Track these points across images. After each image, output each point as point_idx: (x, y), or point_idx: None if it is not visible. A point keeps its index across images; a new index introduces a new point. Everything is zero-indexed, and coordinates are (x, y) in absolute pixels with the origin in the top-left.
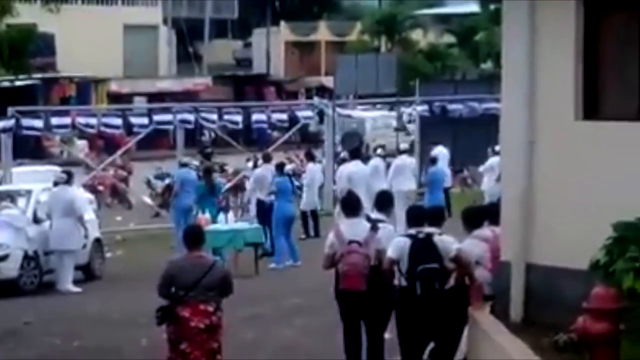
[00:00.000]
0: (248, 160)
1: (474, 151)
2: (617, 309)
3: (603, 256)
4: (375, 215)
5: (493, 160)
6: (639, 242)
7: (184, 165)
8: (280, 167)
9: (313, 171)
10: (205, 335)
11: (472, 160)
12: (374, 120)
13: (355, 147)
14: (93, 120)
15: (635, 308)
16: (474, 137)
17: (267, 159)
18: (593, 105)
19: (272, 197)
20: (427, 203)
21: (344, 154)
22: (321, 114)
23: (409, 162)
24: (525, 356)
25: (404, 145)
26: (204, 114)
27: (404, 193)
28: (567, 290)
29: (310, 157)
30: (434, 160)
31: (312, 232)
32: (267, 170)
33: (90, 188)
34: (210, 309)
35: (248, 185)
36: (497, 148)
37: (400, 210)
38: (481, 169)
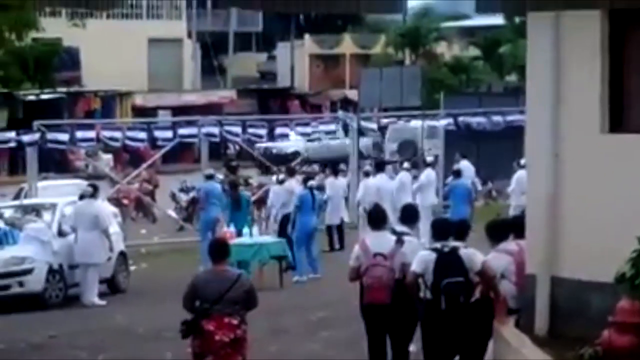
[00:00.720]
0: (272, 174)
1: (499, 164)
2: None
3: (629, 269)
4: (400, 228)
5: (520, 174)
6: None
7: (209, 177)
8: (305, 181)
9: (336, 184)
10: (229, 349)
11: (496, 174)
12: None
13: (381, 160)
14: (118, 134)
15: None
16: (498, 150)
17: (291, 172)
18: (618, 117)
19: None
20: (451, 216)
21: (367, 167)
22: (346, 127)
23: (433, 175)
24: None
25: (429, 159)
26: (228, 127)
27: (429, 207)
28: (592, 303)
29: (335, 171)
30: (458, 173)
31: (337, 245)
32: (291, 185)
33: (115, 201)
34: (235, 322)
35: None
36: (522, 161)
37: (424, 224)
38: (510, 189)
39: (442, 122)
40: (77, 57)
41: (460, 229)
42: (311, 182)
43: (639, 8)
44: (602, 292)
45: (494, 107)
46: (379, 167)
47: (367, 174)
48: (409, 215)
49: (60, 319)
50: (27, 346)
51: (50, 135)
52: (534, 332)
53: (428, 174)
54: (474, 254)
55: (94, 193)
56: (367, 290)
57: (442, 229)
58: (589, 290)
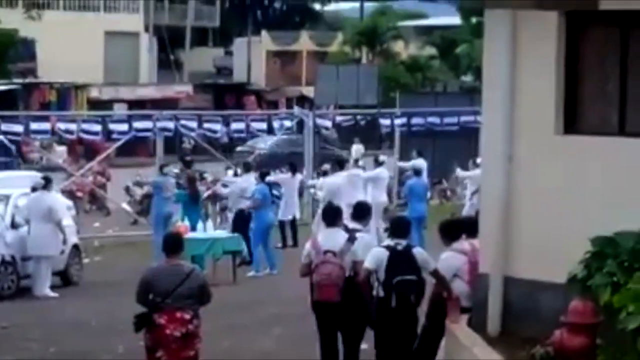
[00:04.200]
0: (228, 168)
1: (454, 163)
2: (594, 323)
3: (581, 270)
4: (352, 225)
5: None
6: (617, 257)
7: (163, 172)
8: (262, 176)
9: (291, 181)
10: (181, 343)
11: (451, 173)
12: None
13: (339, 159)
14: (73, 126)
15: (611, 323)
16: (453, 150)
17: (247, 168)
18: (573, 119)
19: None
20: (409, 214)
21: (326, 166)
22: (300, 124)
23: (386, 174)
24: None
25: (382, 158)
26: (183, 122)
27: (380, 204)
28: (544, 303)
29: (293, 168)
30: (417, 172)
31: (290, 242)
32: (247, 180)
33: (69, 194)
34: (187, 316)
35: (223, 191)
36: (478, 160)
37: (374, 222)
38: (460, 174)
39: (398, 121)
40: (33, 48)
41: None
42: (268, 178)
43: (595, 10)
44: (555, 292)
45: (450, 106)
46: (339, 164)
47: (325, 173)
48: (362, 212)
49: (11, 310)
50: None
51: (5, 126)
52: (486, 331)
53: (379, 172)
54: (426, 253)
55: (46, 185)
56: (317, 287)
57: (399, 226)
58: (541, 291)
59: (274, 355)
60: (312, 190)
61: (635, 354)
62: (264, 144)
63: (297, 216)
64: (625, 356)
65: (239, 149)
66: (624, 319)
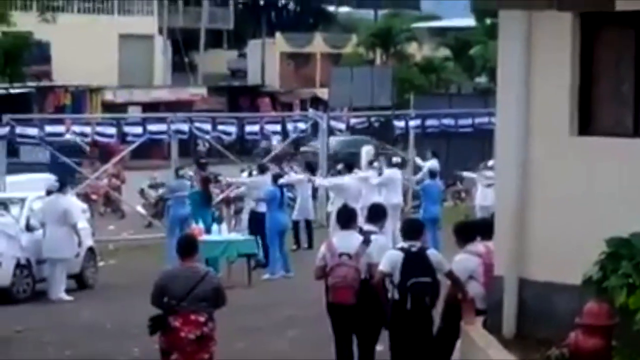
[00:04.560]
0: (242, 171)
1: (469, 165)
2: (609, 325)
3: (596, 272)
4: (367, 227)
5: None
6: (632, 258)
7: (179, 175)
8: (275, 178)
9: (305, 182)
10: (196, 346)
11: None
12: None
13: (349, 162)
14: (87, 129)
15: (627, 324)
16: (468, 151)
17: (262, 169)
18: (588, 120)
19: (263, 205)
20: (422, 216)
21: (340, 167)
22: (315, 126)
23: (399, 175)
24: None
25: (396, 159)
26: (198, 124)
27: (393, 206)
28: (560, 305)
29: (310, 168)
30: (432, 174)
31: (305, 244)
32: (263, 181)
33: (84, 197)
34: (202, 319)
35: (239, 187)
36: (490, 163)
37: (390, 224)
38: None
39: (412, 123)
40: (47, 51)
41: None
42: (281, 180)
43: (610, 11)
44: (570, 294)
45: (464, 108)
46: (349, 167)
47: (339, 173)
48: (376, 214)
49: (27, 314)
50: None
51: (20, 130)
52: (502, 333)
53: (392, 173)
54: (441, 255)
55: (61, 188)
56: (332, 290)
57: (411, 228)
58: (556, 292)
59: (288, 358)
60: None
61: None
62: (333, 144)
63: (312, 217)
64: None
65: (303, 149)
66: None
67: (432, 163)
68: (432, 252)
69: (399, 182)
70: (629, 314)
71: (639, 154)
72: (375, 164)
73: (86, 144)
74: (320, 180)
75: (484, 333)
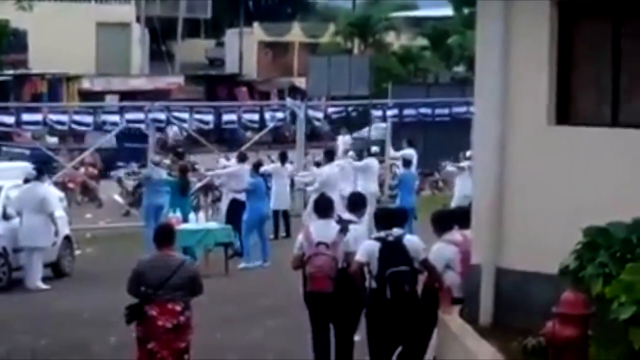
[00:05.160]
0: (223, 158)
1: (446, 154)
2: (585, 314)
3: (573, 261)
4: (347, 216)
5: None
6: (609, 248)
7: (155, 164)
8: (256, 167)
9: (282, 171)
10: (172, 335)
11: (443, 164)
12: None
13: (330, 149)
14: (64, 118)
15: (603, 314)
16: (445, 141)
17: (242, 158)
18: (566, 110)
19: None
20: (399, 205)
21: (318, 158)
22: (293, 115)
23: (376, 164)
24: (494, 359)
25: (374, 149)
26: (175, 113)
27: (370, 195)
28: (536, 294)
29: (284, 158)
30: (407, 163)
31: (282, 233)
32: (242, 170)
33: (61, 185)
34: (178, 308)
35: (218, 175)
36: (468, 153)
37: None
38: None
39: (390, 112)
40: (24, 39)
41: (399, 217)
42: (263, 169)
43: (588, 0)
44: (547, 283)
45: (441, 97)
46: (329, 156)
47: (318, 164)
48: (356, 203)
49: (3, 302)
50: None
51: None
52: (478, 322)
53: (369, 162)
54: (418, 242)
55: (39, 176)
56: (309, 279)
57: (385, 218)
58: (533, 282)
59: (266, 347)
60: (303, 187)
61: (626, 345)
62: (375, 132)
63: (289, 207)
64: (617, 346)
65: (354, 135)
66: (616, 310)
67: (407, 152)
68: (408, 240)
69: (376, 170)
70: (606, 303)
71: (617, 144)
72: (350, 153)
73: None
74: (301, 179)
75: (460, 322)
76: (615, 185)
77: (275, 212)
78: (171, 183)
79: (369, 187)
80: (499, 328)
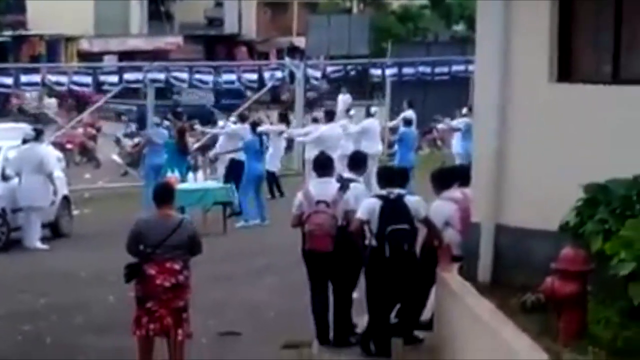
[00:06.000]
0: (219, 119)
1: (445, 113)
2: (585, 270)
3: (573, 218)
4: (347, 175)
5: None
6: (609, 204)
7: (157, 124)
8: (253, 127)
9: (279, 134)
10: (171, 294)
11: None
12: None
13: (330, 109)
14: (63, 78)
15: (603, 270)
16: (445, 99)
17: (242, 118)
18: (567, 67)
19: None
20: (398, 164)
21: (316, 114)
22: (292, 75)
23: (377, 125)
24: (493, 316)
25: (374, 109)
26: (174, 73)
27: (372, 155)
28: (536, 251)
29: (284, 119)
30: (408, 122)
31: (277, 193)
32: (241, 130)
33: (59, 146)
34: (177, 267)
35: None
36: (464, 111)
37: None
38: (454, 122)
39: (389, 71)
40: (22, 0)
41: (400, 176)
42: (260, 128)
43: None
44: (547, 240)
45: (441, 56)
46: (329, 116)
47: (316, 120)
48: (357, 162)
49: (2, 262)
50: None
51: None
52: (477, 279)
53: (370, 122)
54: (419, 201)
55: (37, 137)
56: (309, 237)
57: (387, 176)
58: (533, 239)
59: (264, 305)
60: (300, 139)
61: (626, 300)
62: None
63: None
64: (616, 302)
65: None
66: (616, 266)
67: (407, 113)
68: (410, 199)
69: (377, 131)
70: (605, 260)
71: (617, 101)
72: (352, 112)
73: (61, 93)
74: (299, 138)
75: (459, 280)
76: (616, 142)
77: (273, 173)
78: (169, 144)
79: (372, 147)
80: (498, 285)
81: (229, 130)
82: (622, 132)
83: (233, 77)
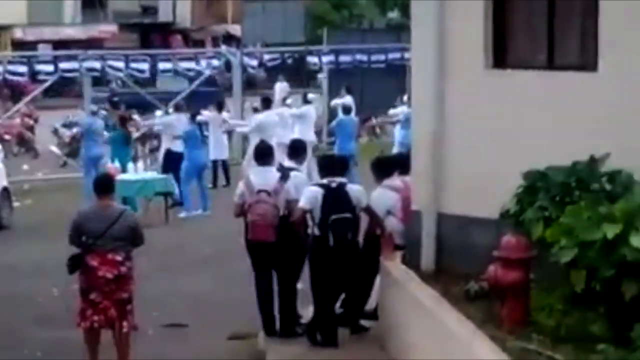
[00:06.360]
0: (157, 109)
1: (383, 100)
2: (527, 258)
3: (513, 205)
4: (288, 163)
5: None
6: (548, 191)
7: (93, 113)
8: (192, 116)
9: (218, 120)
10: (114, 285)
11: (380, 110)
12: None
13: (267, 97)
14: None
15: (544, 257)
16: (382, 87)
17: (177, 108)
18: (502, 53)
19: (178, 144)
20: (338, 152)
21: (256, 104)
22: (228, 63)
23: (313, 112)
24: (436, 304)
25: (311, 96)
26: (110, 62)
27: (309, 143)
28: (478, 239)
29: (220, 107)
30: (347, 110)
31: (223, 182)
32: (179, 119)
33: None
34: (119, 258)
35: (155, 126)
36: (405, 98)
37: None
38: (392, 112)
39: (325, 59)
40: None
41: (341, 165)
42: (199, 118)
43: None
44: (488, 228)
45: (377, 43)
46: (266, 103)
47: (256, 110)
48: (297, 150)
49: None
50: None
51: None
52: (421, 268)
53: (306, 109)
54: (360, 190)
55: None
56: (251, 227)
57: (328, 165)
58: (474, 226)
59: (209, 296)
60: (239, 130)
61: (568, 287)
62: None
63: (226, 156)
64: (559, 289)
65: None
66: (557, 253)
67: (346, 99)
68: (351, 188)
69: (313, 118)
70: (547, 247)
71: (553, 86)
72: (289, 100)
73: None
74: (239, 129)
75: (403, 268)
76: (552, 128)
77: (214, 162)
78: (114, 135)
79: (306, 135)
80: (441, 273)
81: (165, 121)
82: (558, 118)
83: (169, 65)
